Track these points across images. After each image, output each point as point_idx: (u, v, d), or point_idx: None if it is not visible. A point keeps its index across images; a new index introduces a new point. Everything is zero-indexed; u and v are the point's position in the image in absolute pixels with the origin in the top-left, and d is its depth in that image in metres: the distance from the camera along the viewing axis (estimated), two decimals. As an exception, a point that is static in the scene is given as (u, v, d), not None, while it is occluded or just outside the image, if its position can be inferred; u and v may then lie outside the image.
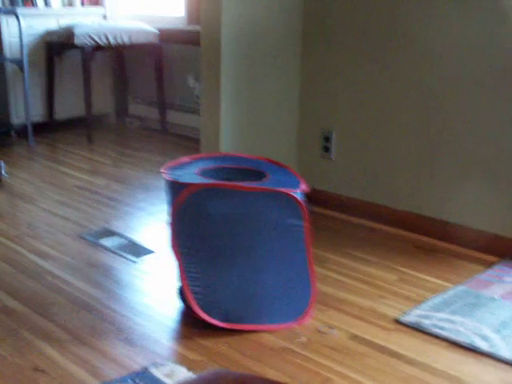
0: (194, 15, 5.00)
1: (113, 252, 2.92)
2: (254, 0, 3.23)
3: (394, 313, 2.40)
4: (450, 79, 2.96)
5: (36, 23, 5.05)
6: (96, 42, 4.91)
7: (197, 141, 4.77)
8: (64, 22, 5.16)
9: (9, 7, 4.92)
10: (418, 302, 2.47)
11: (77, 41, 4.82)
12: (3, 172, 3.95)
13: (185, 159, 2.52)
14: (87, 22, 5.06)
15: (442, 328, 2.27)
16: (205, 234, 2.21)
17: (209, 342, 2.18)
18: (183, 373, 1.99)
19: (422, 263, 2.84)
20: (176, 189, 2.22)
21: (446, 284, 2.64)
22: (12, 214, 3.41)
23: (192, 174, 2.33)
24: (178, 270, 2.24)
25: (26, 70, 4.77)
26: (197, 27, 4.80)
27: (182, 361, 2.07)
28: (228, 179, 2.44)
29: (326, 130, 3.48)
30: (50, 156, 4.64)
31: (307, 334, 2.25)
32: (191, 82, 5.08)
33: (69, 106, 5.34)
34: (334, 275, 2.72)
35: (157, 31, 5.17)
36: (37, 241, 3.04)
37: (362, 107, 3.31)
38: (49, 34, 5.09)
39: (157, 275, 2.71)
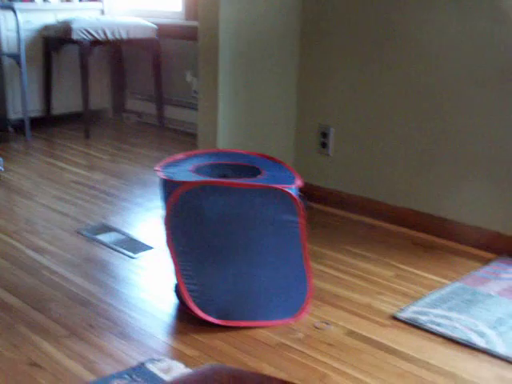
0: (191, 11, 4.99)
1: (110, 247, 2.92)
2: (252, -5, 3.23)
3: (390, 309, 2.40)
4: (449, 76, 2.96)
5: (34, 18, 5.04)
6: (94, 36, 4.90)
7: (194, 136, 4.77)
8: (62, 16, 5.15)
9: (6, 2, 4.91)
10: (414, 299, 2.48)
11: (74, 36, 4.81)
12: (0, 167, 3.95)
13: (179, 156, 2.52)
14: (85, 17, 5.05)
15: (438, 324, 2.27)
16: (200, 232, 2.20)
17: (205, 338, 2.18)
18: (180, 368, 1.99)
19: (419, 260, 2.84)
20: (170, 187, 2.22)
21: (442, 280, 2.64)
22: (9, 209, 3.41)
23: (186, 171, 2.32)
24: (173, 267, 2.24)
25: (23, 64, 4.76)
26: (195, 23, 4.79)
27: (178, 356, 2.07)
28: (223, 176, 2.44)
29: (324, 126, 3.48)
30: (48, 151, 4.63)
31: (304, 330, 2.25)
32: (189, 77, 5.07)
33: (66, 101, 5.33)
34: (332, 271, 2.72)
35: (155, 26, 5.16)
36: (34, 236, 3.04)
37: (360, 103, 3.31)
38: (46, 28, 5.08)
39: (153, 271, 2.71)
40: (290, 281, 2.29)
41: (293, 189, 2.24)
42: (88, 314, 2.33)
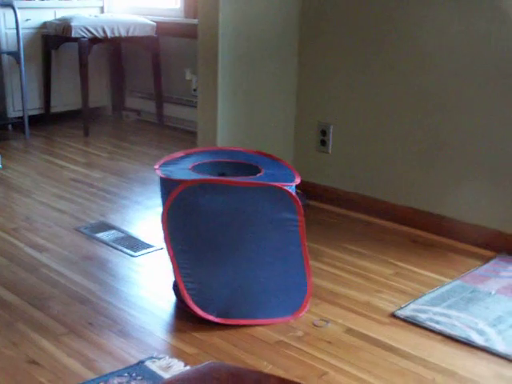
0: (190, 8, 4.99)
1: (109, 245, 2.92)
2: (252, -7, 3.23)
3: (389, 307, 2.40)
4: (448, 75, 2.96)
5: (33, 15, 5.03)
6: (93, 34, 4.89)
7: (193, 134, 4.75)
8: (61, 14, 5.13)
9: (5, -1, 4.91)
10: (413, 297, 2.48)
11: (74, 33, 4.81)
12: (-1, 165, 3.95)
13: (178, 154, 2.51)
14: (84, 15, 5.04)
15: (437, 322, 2.27)
16: (198, 230, 2.20)
17: (203, 336, 2.18)
18: (179, 366, 1.99)
19: (418, 258, 2.84)
20: (169, 185, 2.21)
21: (442, 278, 2.64)
22: (8, 206, 3.41)
23: (185, 169, 2.32)
24: (172, 266, 2.24)
25: (22, 62, 4.75)
26: (194, 20, 4.79)
27: (178, 354, 2.07)
28: (222, 173, 2.43)
29: (323, 124, 3.48)
30: (47, 149, 4.63)
31: (302, 328, 2.25)
32: (188, 75, 5.07)
33: (65, 98, 5.33)
34: (330, 269, 2.72)
35: (154, 24, 5.15)
36: (33, 234, 3.03)
37: (360, 101, 3.30)
38: (46, 26, 5.07)
39: (153, 269, 2.71)
40: (289, 279, 2.29)
41: (292, 187, 2.24)
42: (87, 311, 2.33)
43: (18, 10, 4.69)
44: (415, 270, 2.72)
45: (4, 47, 4.86)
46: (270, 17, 3.33)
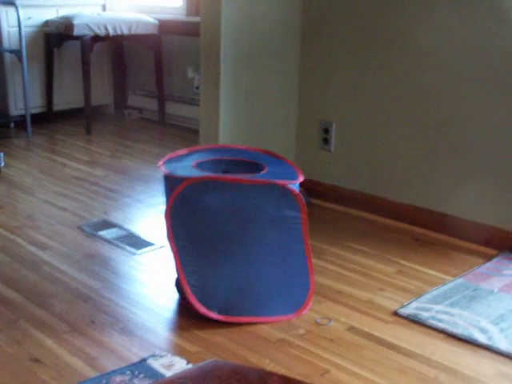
0: (192, 6, 4.98)
1: (111, 243, 2.92)
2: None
3: (392, 305, 2.40)
4: (449, 74, 2.95)
5: (35, 14, 5.03)
6: (95, 32, 4.89)
7: (196, 132, 4.75)
8: (63, 12, 5.13)
9: (8, -3, 4.90)
10: (416, 295, 2.47)
11: (76, 31, 4.80)
12: (1, 162, 3.95)
13: (182, 151, 2.51)
14: (87, 13, 5.04)
15: (440, 320, 2.27)
16: (201, 227, 2.20)
17: (206, 334, 2.18)
18: (181, 364, 1.99)
19: (420, 256, 2.84)
20: (172, 182, 2.21)
21: (444, 277, 2.64)
22: (11, 204, 3.41)
23: (189, 166, 2.32)
24: (174, 263, 2.24)
25: (24, 60, 4.75)
26: (196, 18, 4.78)
27: (180, 352, 2.07)
28: (225, 171, 2.43)
29: (326, 122, 3.47)
30: (49, 147, 4.63)
31: (305, 326, 2.25)
32: (191, 73, 5.07)
33: (68, 97, 5.32)
34: (333, 267, 2.72)
35: (156, 22, 5.15)
36: (35, 232, 3.04)
37: (362, 99, 3.30)
38: (48, 24, 5.07)
39: (155, 267, 2.71)
40: (291, 277, 2.29)
41: (295, 185, 2.24)
42: (89, 309, 2.33)
43: (20, 8, 4.69)
44: (418, 268, 2.72)
45: (6, 45, 4.86)
46: (272, 15, 3.33)
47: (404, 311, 2.34)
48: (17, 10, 4.66)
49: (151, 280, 2.59)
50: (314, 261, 2.71)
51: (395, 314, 2.34)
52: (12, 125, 5.09)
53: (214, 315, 2.24)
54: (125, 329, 2.21)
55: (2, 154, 3.99)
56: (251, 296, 2.26)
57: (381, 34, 3.16)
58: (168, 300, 2.43)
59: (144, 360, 2.01)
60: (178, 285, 2.41)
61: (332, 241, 2.99)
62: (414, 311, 2.33)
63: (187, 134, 4.98)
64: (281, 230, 2.23)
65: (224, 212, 2.18)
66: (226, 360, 2.01)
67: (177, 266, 2.23)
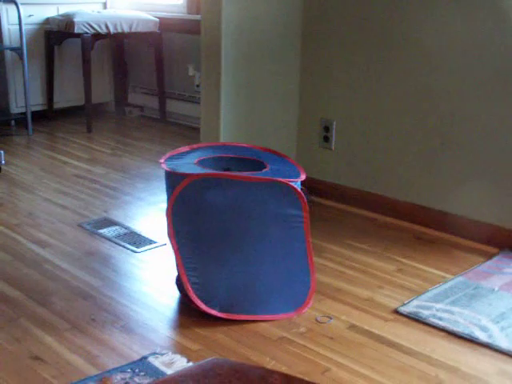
0: (193, 4, 4.98)
1: (112, 241, 2.92)
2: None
3: (392, 303, 2.40)
4: (449, 74, 2.95)
5: (36, 11, 5.03)
6: (96, 30, 4.89)
7: (196, 130, 4.76)
8: (64, 10, 5.13)
9: (8, -5, 4.90)
10: (417, 293, 2.47)
11: (77, 29, 4.80)
12: (2, 160, 3.95)
13: (183, 149, 2.51)
14: (87, 11, 5.04)
15: (440, 318, 2.27)
16: (202, 225, 2.20)
17: (207, 331, 2.18)
18: (182, 362, 1.99)
19: (421, 254, 2.84)
20: (174, 179, 2.21)
21: (445, 275, 2.64)
22: (11, 202, 3.41)
23: (190, 164, 2.32)
24: (175, 260, 2.24)
25: (25, 58, 4.75)
26: (197, 16, 4.78)
27: (181, 350, 2.07)
28: (227, 169, 2.43)
29: (326, 120, 3.47)
30: (50, 145, 4.63)
31: (305, 324, 2.25)
32: (191, 71, 5.07)
33: (68, 94, 5.32)
34: (333, 265, 2.72)
35: (157, 20, 5.15)
36: (36, 230, 3.04)
37: (363, 97, 3.30)
38: (48, 22, 5.07)
39: (156, 265, 2.71)
40: (292, 275, 2.29)
41: (297, 183, 2.24)
42: (90, 307, 2.33)
43: (20, 6, 4.68)
44: (418, 266, 2.72)
45: (7, 43, 4.86)
46: (273, 15, 3.33)
47: (404, 309, 2.34)
48: (17, 8, 4.66)
49: (152, 278, 2.59)
50: (314, 259, 2.72)
51: (395, 312, 2.34)
52: (12, 123, 5.09)
53: (214, 313, 2.24)
54: (125, 327, 2.21)
55: (2, 151, 3.99)
56: (252, 294, 2.26)
57: (381, 34, 3.16)
58: (169, 298, 2.43)
59: (145, 358, 2.01)
60: (179, 282, 2.41)
61: (332, 239, 2.99)
62: (415, 309, 2.33)
63: (188, 132, 4.98)
64: (282, 228, 2.23)
65: (225, 210, 2.18)
66: (227, 358, 2.01)
67: (178, 264, 2.24)
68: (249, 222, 2.20)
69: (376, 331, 2.21)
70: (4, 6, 4.80)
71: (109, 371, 1.94)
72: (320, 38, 3.42)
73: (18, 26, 4.75)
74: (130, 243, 2.90)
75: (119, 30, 5.00)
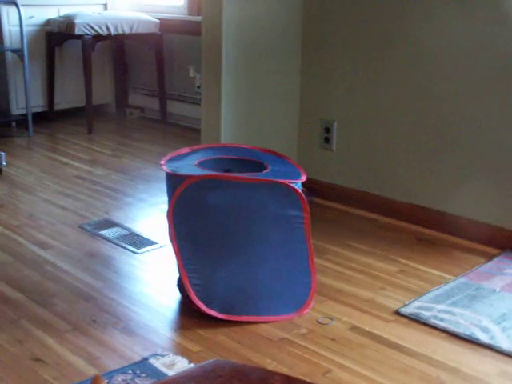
0: (194, 5, 4.98)
1: (113, 242, 2.92)
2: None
3: (393, 304, 2.40)
4: (450, 74, 2.95)
5: (36, 13, 5.03)
6: (97, 31, 4.89)
7: (197, 131, 4.76)
8: (64, 11, 5.13)
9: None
10: (418, 294, 2.47)
11: (77, 31, 4.80)
12: (3, 162, 3.95)
13: (184, 150, 2.51)
14: (88, 12, 5.04)
15: (441, 319, 2.27)
16: (203, 226, 2.20)
17: (208, 333, 2.18)
18: (183, 363, 1.99)
19: (422, 255, 2.84)
20: (175, 181, 2.21)
21: (446, 276, 2.63)
22: (12, 204, 3.41)
23: (191, 165, 2.32)
24: (176, 261, 2.24)
25: (26, 59, 4.75)
26: (198, 18, 4.78)
27: (182, 351, 2.07)
28: (228, 170, 2.43)
29: (327, 121, 3.47)
30: (50, 146, 4.63)
31: (307, 325, 2.25)
32: (192, 72, 5.07)
33: (69, 96, 5.32)
34: (334, 266, 2.72)
35: (157, 21, 5.15)
36: (37, 231, 3.04)
37: (363, 98, 3.30)
38: (49, 23, 5.07)
39: (157, 266, 2.71)
40: (293, 276, 2.29)
41: (298, 184, 2.24)
42: (91, 308, 2.33)
43: (21, 8, 4.68)
44: (419, 267, 2.72)
45: (8, 44, 4.86)
46: (273, 15, 3.33)
47: (406, 310, 2.34)
48: (18, 9, 4.66)
49: (153, 279, 2.59)
50: (315, 260, 2.71)
51: (397, 313, 2.34)
52: (13, 124, 5.09)
53: (215, 314, 2.24)
54: (126, 328, 2.21)
55: (3, 153, 3.99)
56: (253, 295, 2.26)
57: (382, 34, 3.16)
58: (170, 299, 2.42)
59: (146, 359, 2.01)
60: (180, 284, 2.41)
61: (333, 240, 2.98)
62: (416, 310, 2.33)
63: (188, 133, 4.98)
64: (283, 229, 2.23)
65: (226, 211, 2.18)
66: (228, 359, 2.01)
67: (178, 265, 2.24)
68: (249, 224, 2.20)
69: (377, 332, 2.21)
70: (5, 8, 4.81)
71: (110, 372, 1.93)
72: (320, 38, 3.42)
73: (18, 28, 4.75)
74: (130, 244, 2.90)
75: (120, 32, 5.00)
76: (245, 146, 2.60)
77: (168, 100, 5.31)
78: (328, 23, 3.37)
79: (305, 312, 2.32)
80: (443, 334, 2.20)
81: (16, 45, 4.86)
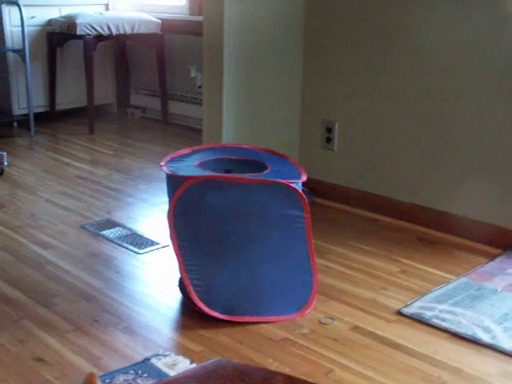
0: (195, 6, 4.98)
1: (114, 243, 2.92)
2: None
3: (395, 304, 2.40)
4: (451, 74, 2.95)
5: (38, 13, 5.03)
6: (98, 32, 4.89)
7: (199, 131, 4.75)
8: (66, 11, 5.13)
9: (10, -3, 4.91)
10: (419, 294, 2.47)
11: (79, 31, 4.81)
12: (5, 162, 3.95)
13: (185, 151, 2.51)
14: (89, 12, 5.04)
15: (443, 319, 2.27)
16: (204, 227, 2.20)
17: (210, 333, 2.18)
18: (185, 363, 1.99)
19: (424, 255, 2.83)
20: (175, 182, 2.21)
21: (448, 276, 2.63)
22: (14, 204, 3.41)
23: (192, 166, 2.32)
24: (177, 262, 2.24)
25: (27, 60, 4.75)
26: (199, 18, 4.78)
27: (183, 351, 2.07)
28: (228, 171, 2.43)
29: (329, 121, 3.47)
30: (52, 146, 4.63)
31: (309, 326, 2.25)
32: (193, 72, 5.07)
33: (70, 96, 5.33)
34: (336, 266, 2.72)
35: (159, 21, 5.15)
36: (38, 231, 3.04)
37: (365, 98, 3.30)
38: (51, 23, 5.07)
39: (158, 266, 2.71)
40: (295, 276, 2.29)
41: (298, 184, 2.23)
42: (93, 309, 2.33)
43: (23, 8, 4.69)
44: (421, 267, 2.71)
45: (9, 45, 4.86)
46: (275, 15, 3.33)
47: (407, 310, 2.33)
48: (20, 10, 4.67)
49: (154, 279, 2.59)
50: (317, 260, 2.71)
51: (399, 313, 2.33)
52: (15, 124, 5.09)
53: (217, 315, 2.24)
54: (128, 328, 2.21)
55: (5, 153, 3.99)
56: (254, 295, 2.26)
57: (383, 34, 3.16)
58: (171, 299, 2.42)
59: (147, 359, 2.01)
60: (182, 284, 2.41)
61: (335, 240, 2.98)
62: (418, 310, 2.33)
63: (190, 134, 4.98)
64: (284, 230, 2.23)
65: (227, 211, 2.18)
66: (230, 359, 2.01)
67: (180, 266, 2.23)
68: (250, 224, 2.20)
69: (379, 332, 2.21)
70: (6, 8, 4.81)
71: (111, 373, 1.93)
72: (322, 38, 3.41)
73: (20, 28, 4.75)
74: (132, 244, 2.90)
75: (121, 32, 5.00)
76: (245, 146, 2.60)
77: (169, 100, 5.31)
78: (329, 23, 3.37)
79: (306, 312, 2.32)
80: (445, 334, 2.20)
81: (18, 45, 4.86)
